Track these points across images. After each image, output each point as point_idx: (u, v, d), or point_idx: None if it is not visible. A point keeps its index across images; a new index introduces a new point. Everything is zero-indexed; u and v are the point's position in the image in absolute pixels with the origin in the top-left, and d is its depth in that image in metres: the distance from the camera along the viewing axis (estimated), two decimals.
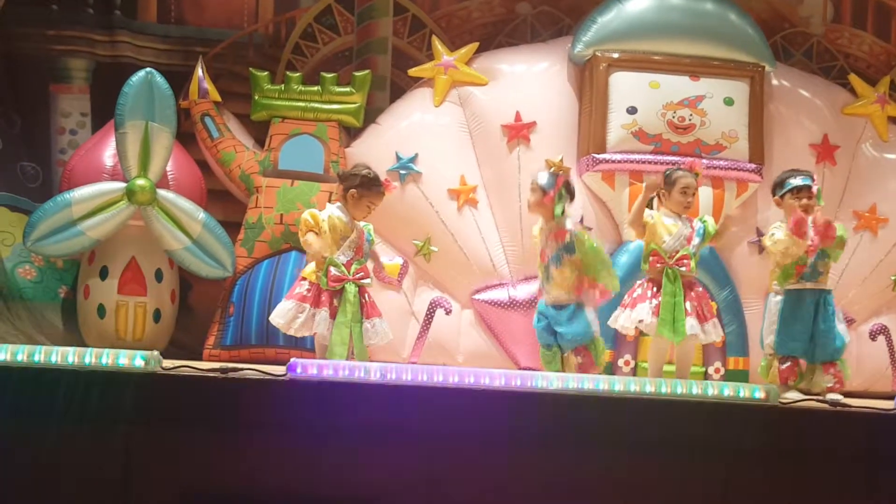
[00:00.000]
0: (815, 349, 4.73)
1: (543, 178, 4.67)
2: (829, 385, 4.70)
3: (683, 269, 4.64)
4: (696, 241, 4.72)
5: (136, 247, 5.53)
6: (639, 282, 4.81)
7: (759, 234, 5.70)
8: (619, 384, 3.62)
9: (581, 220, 5.80)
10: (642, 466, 3.38)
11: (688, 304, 4.61)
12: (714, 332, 4.75)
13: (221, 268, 5.60)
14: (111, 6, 6.20)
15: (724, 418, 3.49)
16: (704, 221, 4.81)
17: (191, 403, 3.45)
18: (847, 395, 5.31)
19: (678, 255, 4.64)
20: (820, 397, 4.53)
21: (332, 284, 4.47)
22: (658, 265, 4.66)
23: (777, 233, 4.76)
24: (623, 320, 4.73)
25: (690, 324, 4.59)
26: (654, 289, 4.66)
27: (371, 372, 3.57)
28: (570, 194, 4.73)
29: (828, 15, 6.66)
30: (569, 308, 4.63)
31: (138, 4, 6.23)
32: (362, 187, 4.61)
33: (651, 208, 4.88)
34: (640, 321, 4.65)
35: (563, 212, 4.62)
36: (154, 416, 3.41)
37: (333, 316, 4.46)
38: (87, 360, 3.49)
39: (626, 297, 4.81)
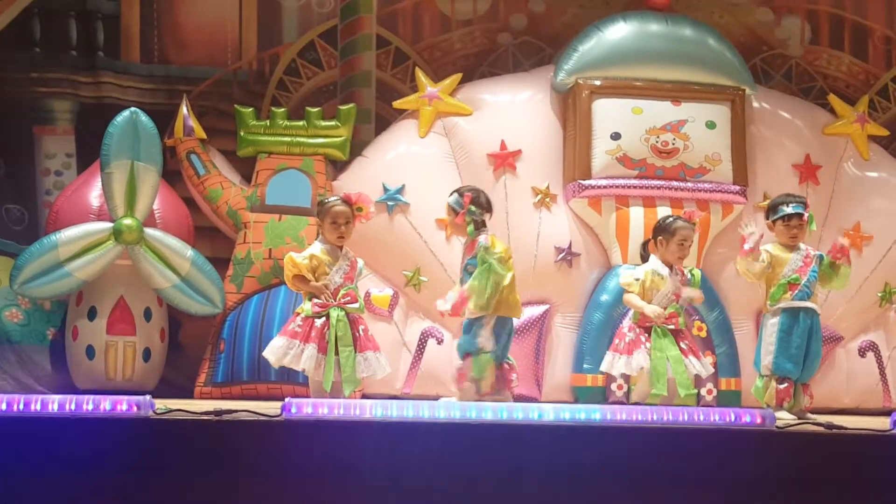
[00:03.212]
0: (803, 370, 4.80)
1: (452, 199, 4.81)
2: (807, 405, 4.83)
3: (672, 326, 4.78)
4: (684, 295, 4.85)
5: (125, 286, 5.50)
6: (627, 323, 4.89)
7: None
8: (617, 414, 3.61)
9: (569, 246, 5.84)
10: (642, 497, 3.38)
11: (678, 353, 4.74)
12: (707, 367, 4.95)
13: (211, 305, 5.58)
14: (94, 47, 6.21)
15: (722, 444, 3.49)
16: (693, 272, 4.97)
17: (184, 447, 3.42)
18: (839, 412, 5.33)
19: (667, 313, 4.77)
20: (814, 420, 4.55)
21: (315, 311, 4.48)
22: (648, 323, 4.79)
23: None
24: (622, 367, 4.81)
25: (695, 364, 4.78)
26: (646, 334, 4.78)
27: (367, 409, 3.55)
28: (483, 207, 4.78)
29: (805, 37, 6.73)
30: (468, 320, 4.72)
31: (121, 45, 6.24)
32: (320, 214, 4.72)
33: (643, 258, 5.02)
34: (642, 368, 4.75)
35: (475, 228, 4.72)
36: (148, 461, 3.37)
37: (323, 351, 4.46)
38: (75, 407, 3.44)
39: (615, 339, 4.92)
